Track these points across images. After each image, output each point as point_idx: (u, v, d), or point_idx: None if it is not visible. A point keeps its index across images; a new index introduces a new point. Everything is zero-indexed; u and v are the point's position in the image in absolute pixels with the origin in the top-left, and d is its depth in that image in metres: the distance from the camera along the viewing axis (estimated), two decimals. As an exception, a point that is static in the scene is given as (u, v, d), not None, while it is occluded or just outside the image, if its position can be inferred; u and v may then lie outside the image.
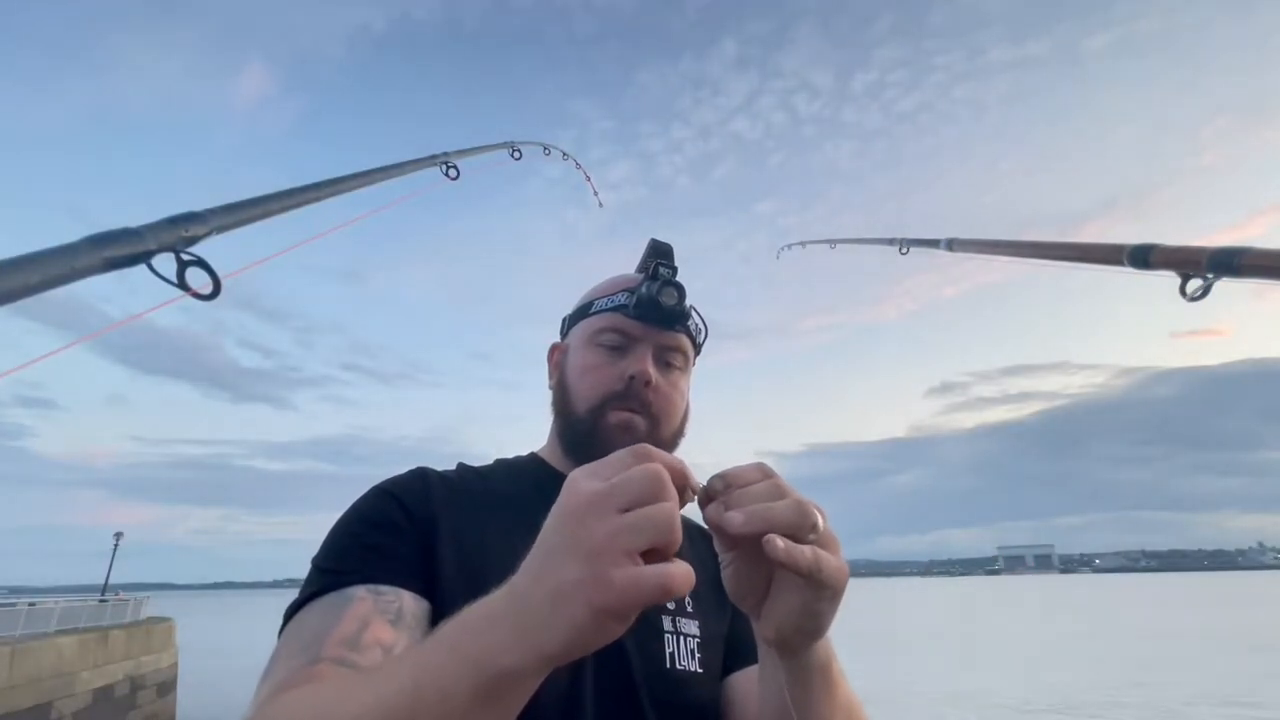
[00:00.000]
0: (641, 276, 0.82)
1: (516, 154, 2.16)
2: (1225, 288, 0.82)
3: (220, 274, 0.67)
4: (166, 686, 14.24)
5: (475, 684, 0.39)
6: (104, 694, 11.80)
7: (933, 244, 1.73)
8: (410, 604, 0.60)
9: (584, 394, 0.79)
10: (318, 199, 1.00)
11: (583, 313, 0.85)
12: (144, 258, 0.62)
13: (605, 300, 0.83)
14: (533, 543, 0.63)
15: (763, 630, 0.53)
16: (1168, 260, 0.88)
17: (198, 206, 0.73)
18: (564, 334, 0.89)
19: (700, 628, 0.75)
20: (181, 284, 0.64)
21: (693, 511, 0.70)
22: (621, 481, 0.40)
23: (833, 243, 2.82)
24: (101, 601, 14.57)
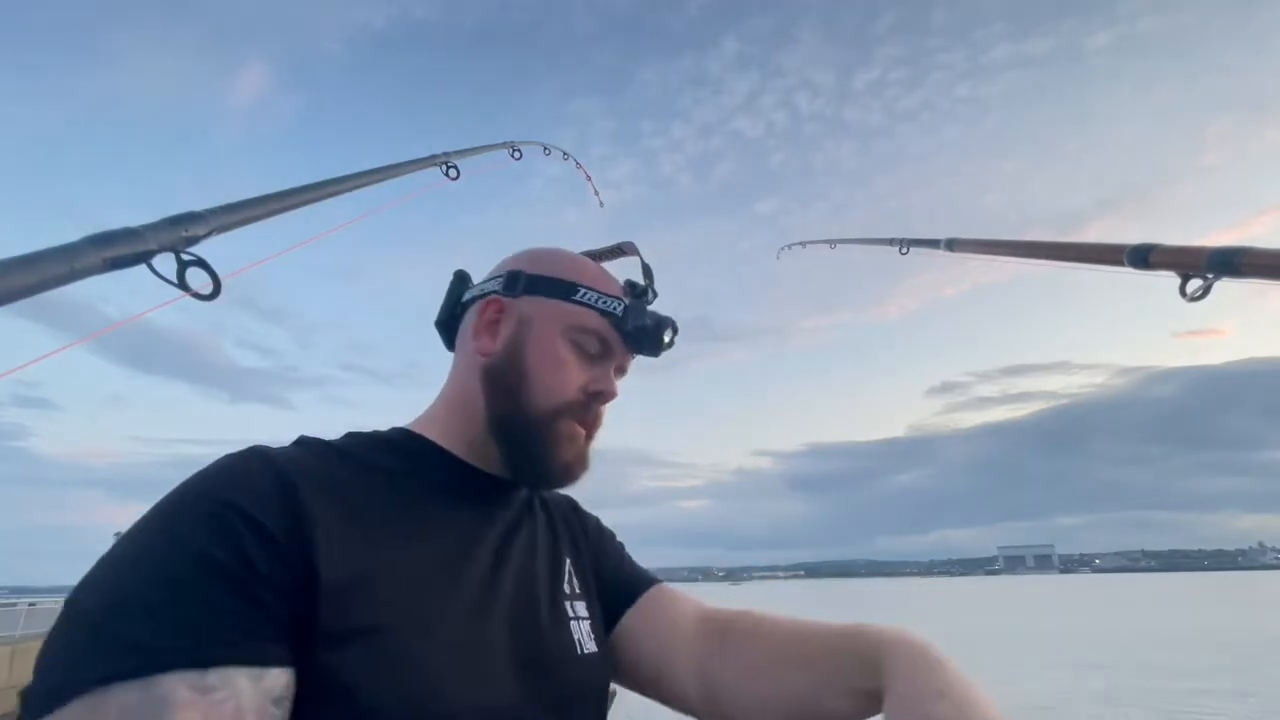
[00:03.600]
0: (627, 284, 0.75)
1: (516, 154, 2.16)
2: (1226, 287, 0.82)
3: (220, 274, 0.67)
4: (166, 686, 14.24)
5: None
6: (104, 694, 11.77)
7: (933, 244, 1.73)
8: (249, 698, 0.42)
9: (546, 393, 0.67)
10: (318, 199, 1.00)
11: (561, 290, 0.70)
12: (144, 258, 0.62)
13: (595, 296, 0.70)
14: (465, 567, 0.58)
15: None
16: (1167, 260, 0.87)
17: (197, 206, 0.73)
18: (514, 291, 0.71)
19: (587, 606, 0.72)
20: (181, 284, 0.64)
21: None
22: None
23: (833, 243, 2.82)
24: (102, 601, 14.55)
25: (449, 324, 0.77)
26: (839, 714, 0.60)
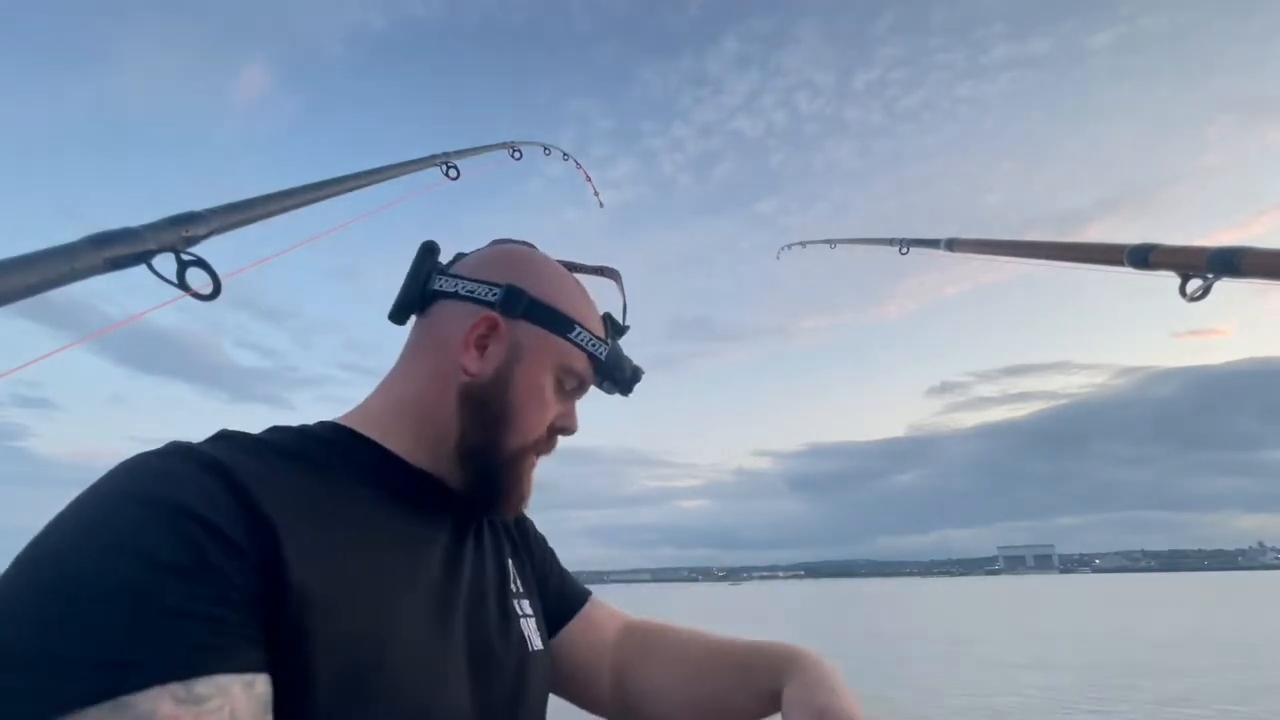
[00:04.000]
0: (607, 320, 0.74)
1: (516, 154, 2.17)
2: (1226, 287, 0.82)
3: (220, 274, 0.67)
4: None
5: None
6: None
7: (933, 244, 1.73)
8: (244, 705, 0.40)
9: (524, 430, 0.65)
10: (318, 199, 1.00)
11: (560, 325, 0.67)
12: (144, 258, 0.62)
13: (588, 338, 0.68)
14: (421, 569, 0.58)
15: None
16: (1167, 260, 0.87)
17: (196, 206, 0.73)
18: (513, 311, 0.66)
19: (531, 604, 0.74)
20: (182, 284, 0.64)
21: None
22: None
23: (833, 243, 2.82)
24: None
25: (410, 305, 0.69)
26: (744, 713, 0.71)
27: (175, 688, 0.37)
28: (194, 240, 0.69)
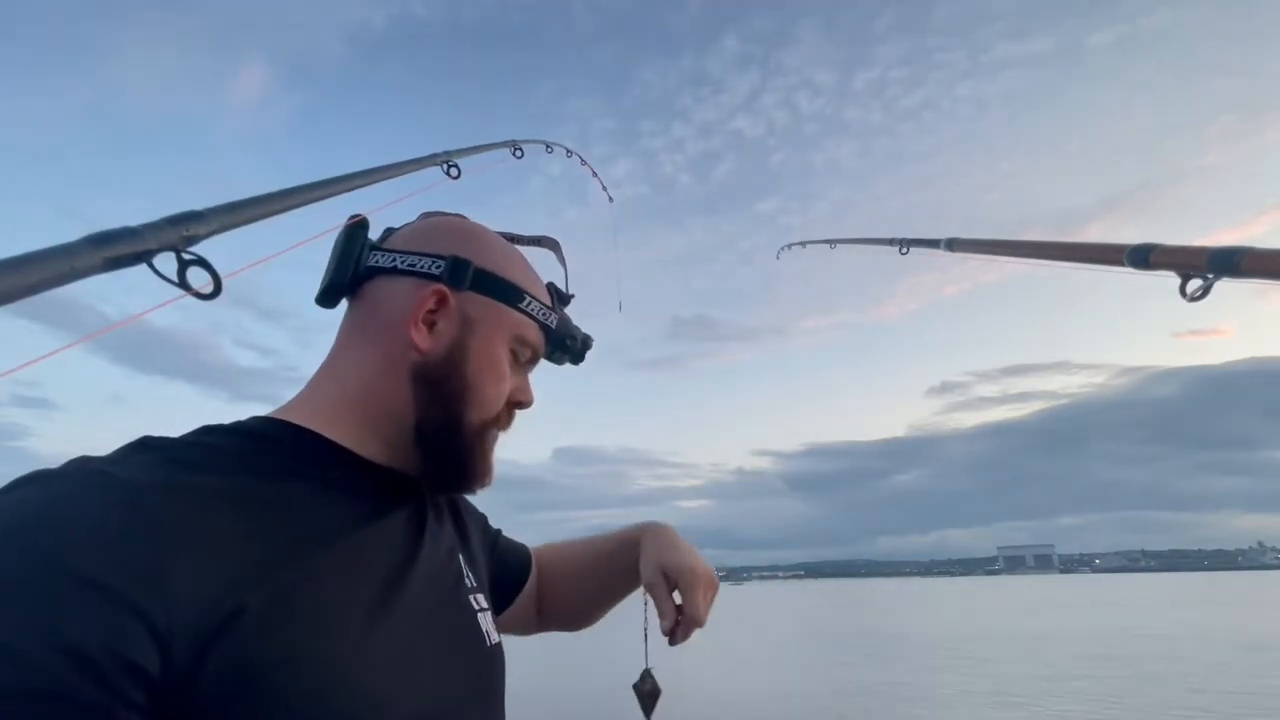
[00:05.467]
0: (552, 289, 0.73)
1: (518, 153, 2.16)
2: (1226, 287, 0.82)
3: (220, 273, 0.67)
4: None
5: None
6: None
7: (933, 244, 1.73)
8: None
9: (484, 405, 0.63)
10: (318, 198, 1.00)
11: (510, 295, 0.65)
12: (144, 257, 0.62)
13: (539, 307, 0.67)
14: (381, 570, 0.55)
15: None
16: (1167, 260, 0.87)
17: (195, 206, 0.73)
18: (460, 283, 0.62)
19: (486, 598, 0.72)
20: (182, 283, 0.64)
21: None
22: None
23: (833, 243, 2.82)
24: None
25: (342, 287, 0.64)
26: (625, 589, 0.89)
27: None
28: (194, 240, 0.69)
